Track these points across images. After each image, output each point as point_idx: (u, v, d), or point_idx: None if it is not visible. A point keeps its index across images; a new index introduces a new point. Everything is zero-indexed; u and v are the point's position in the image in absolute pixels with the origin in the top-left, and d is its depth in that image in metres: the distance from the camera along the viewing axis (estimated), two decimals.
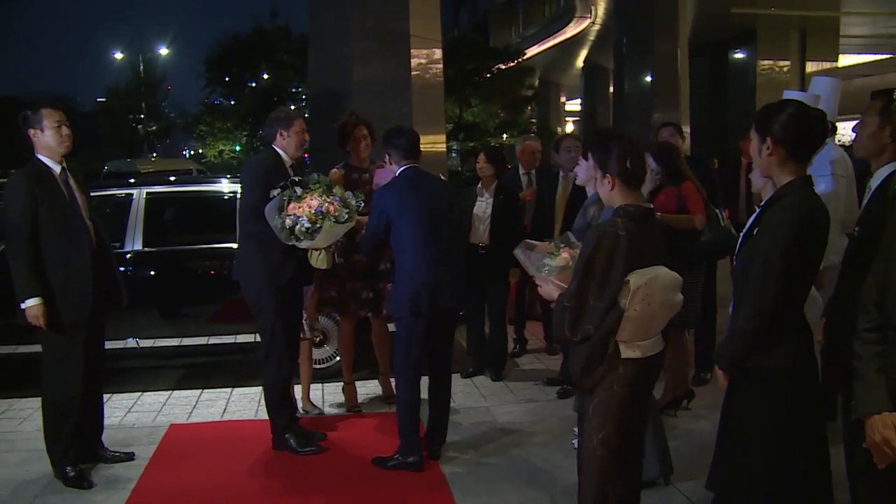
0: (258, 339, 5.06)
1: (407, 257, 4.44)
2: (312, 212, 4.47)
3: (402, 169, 4.58)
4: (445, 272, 4.45)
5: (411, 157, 4.60)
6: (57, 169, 4.41)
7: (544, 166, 7.54)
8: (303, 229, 4.45)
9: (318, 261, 4.75)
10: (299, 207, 4.48)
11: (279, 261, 4.66)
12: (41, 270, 4.27)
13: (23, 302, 4.23)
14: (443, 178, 4.50)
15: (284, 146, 4.79)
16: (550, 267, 3.39)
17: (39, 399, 4.52)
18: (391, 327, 5.59)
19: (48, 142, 4.39)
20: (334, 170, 5.44)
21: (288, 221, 4.48)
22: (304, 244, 4.54)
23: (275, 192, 4.56)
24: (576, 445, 3.49)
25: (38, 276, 4.25)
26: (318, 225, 4.47)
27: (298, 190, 4.58)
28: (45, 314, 4.25)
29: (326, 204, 4.51)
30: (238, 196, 6.26)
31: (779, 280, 2.69)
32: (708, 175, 6.17)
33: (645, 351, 3.06)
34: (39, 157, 4.41)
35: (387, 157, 4.66)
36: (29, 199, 4.25)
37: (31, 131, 4.37)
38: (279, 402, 4.85)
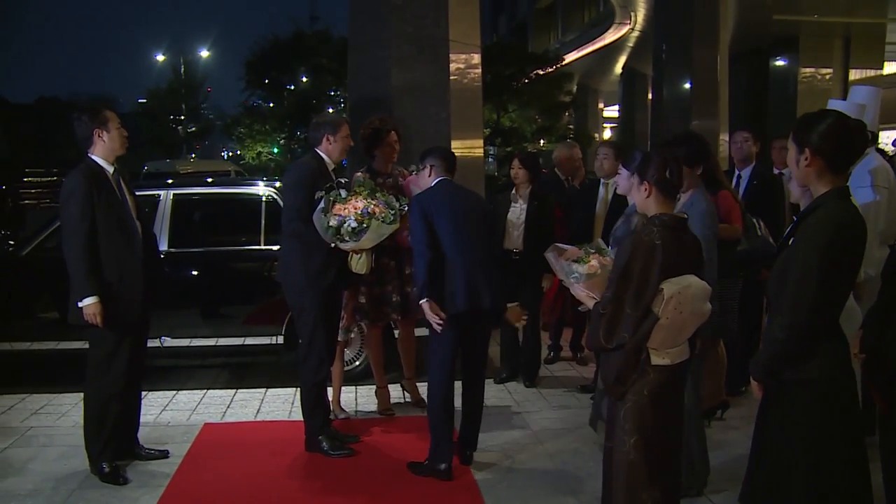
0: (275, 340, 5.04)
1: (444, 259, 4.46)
2: (359, 213, 4.56)
3: (438, 180, 4.65)
4: (482, 274, 4.45)
5: (449, 174, 4.69)
6: (110, 170, 4.52)
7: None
8: (349, 229, 4.56)
9: (359, 265, 4.82)
10: (345, 209, 4.60)
11: (322, 263, 4.74)
12: (99, 270, 4.37)
13: (80, 300, 4.33)
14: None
15: (329, 151, 4.86)
16: (579, 274, 3.44)
17: (78, 395, 4.61)
18: (418, 332, 5.63)
19: (112, 143, 4.51)
20: (358, 174, 5.48)
21: (334, 221, 4.57)
22: (348, 245, 4.63)
23: (320, 194, 4.67)
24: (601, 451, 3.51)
25: (96, 274, 4.35)
26: (364, 225, 4.55)
27: (343, 192, 4.67)
28: (101, 312, 4.35)
29: (372, 206, 4.60)
30: (274, 200, 6.38)
31: (814, 290, 2.67)
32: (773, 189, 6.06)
33: (674, 358, 3.13)
34: (94, 157, 4.49)
35: (429, 167, 4.67)
36: (88, 198, 4.35)
37: (97, 131, 4.48)
38: (315, 403, 4.90)
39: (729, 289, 4.96)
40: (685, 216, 3.23)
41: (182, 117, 42.22)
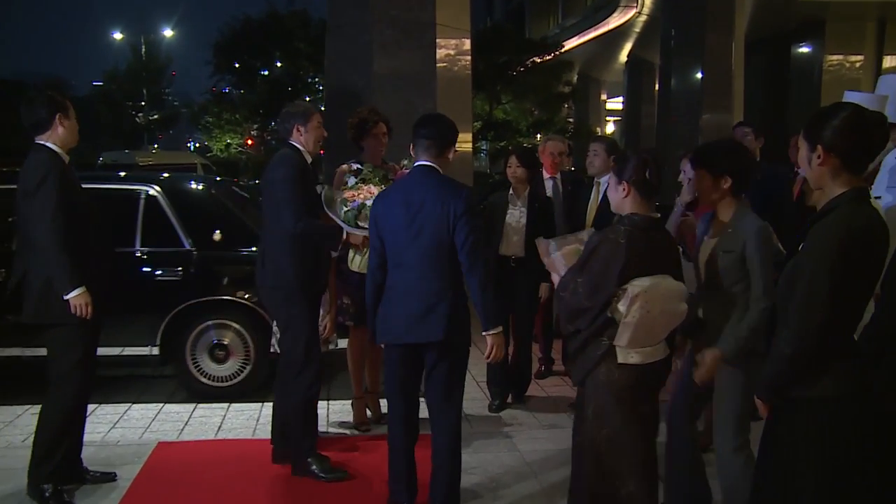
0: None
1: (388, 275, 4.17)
2: (376, 196, 4.65)
3: (415, 165, 4.22)
4: (416, 303, 4.03)
5: (430, 151, 4.17)
6: (66, 159, 4.52)
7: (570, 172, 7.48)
8: (368, 212, 4.68)
9: (362, 264, 4.90)
10: (359, 194, 4.68)
11: (315, 266, 4.80)
12: (83, 260, 4.37)
13: (68, 292, 4.32)
14: (463, 189, 4.10)
15: (303, 142, 4.86)
16: (560, 250, 3.65)
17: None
18: None
19: (71, 132, 4.53)
20: (344, 166, 5.50)
21: (352, 204, 4.83)
22: (364, 231, 4.86)
23: (320, 188, 4.90)
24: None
25: (79, 264, 4.35)
26: None
27: (351, 179, 4.93)
28: (91, 302, 4.36)
29: None
30: (155, 198, 6.36)
31: (825, 301, 2.67)
32: (780, 190, 6.07)
33: (645, 357, 3.43)
34: (49, 145, 4.47)
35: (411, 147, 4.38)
36: (62, 184, 4.35)
37: (59, 117, 4.47)
38: (306, 422, 4.86)
39: None
40: (658, 216, 3.47)
41: (143, 103, 42.10)
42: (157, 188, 6.44)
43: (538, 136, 25.43)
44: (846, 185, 2.79)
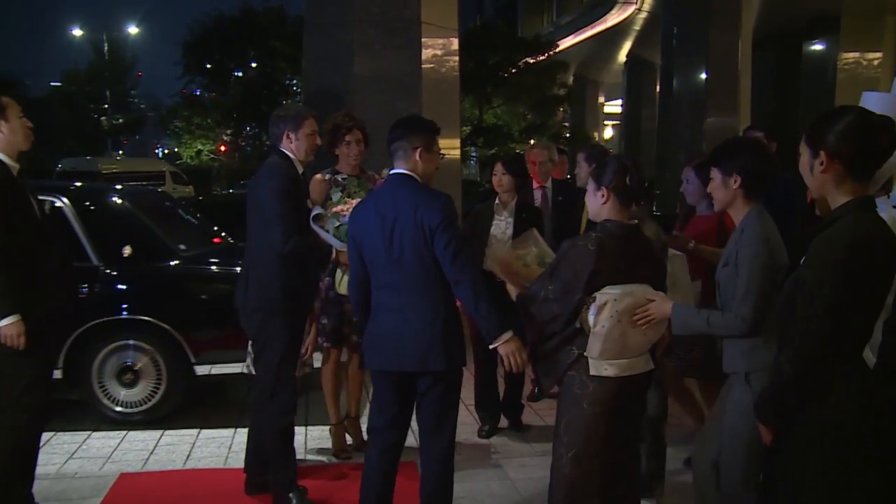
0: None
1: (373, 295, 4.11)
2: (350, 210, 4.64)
3: (391, 173, 4.15)
4: (407, 327, 3.97)
5: (409, 163, 4.10)
6: (15, 167, 4.45)
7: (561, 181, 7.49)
8: None
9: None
10: (347, 209, 4.71)
11: (302, 288, 4.78)
12: (18, 283, 4.30)
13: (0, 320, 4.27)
14: (440, 197, 4.01)
15: (293, 150, 4.77)
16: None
17: None
18: None
19: (14, 135, 4.43)
20: (318, 176, 5.50)
21: (343, 219, 4.83)
22: None
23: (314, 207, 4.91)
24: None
25: (16, 289, 4.29)
26: None
27: (337, 194, 4.99)
28: (25, 332, 4.30)
29: None
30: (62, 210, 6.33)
31: (826, 317, 2.68)
32: (791, 198, 6.03)
33: (621, 370, 3.51)
34: None
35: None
36: (1, 197, 4.27)
37: None
38: (284, 452, 4.80)
39: None
40: (635, 223, 3.61)
41: (106, 106, 41.84)
42: (65, 199, 6.44)
43: (531, 141, 25.51)
44: (850, 194, 2.81)
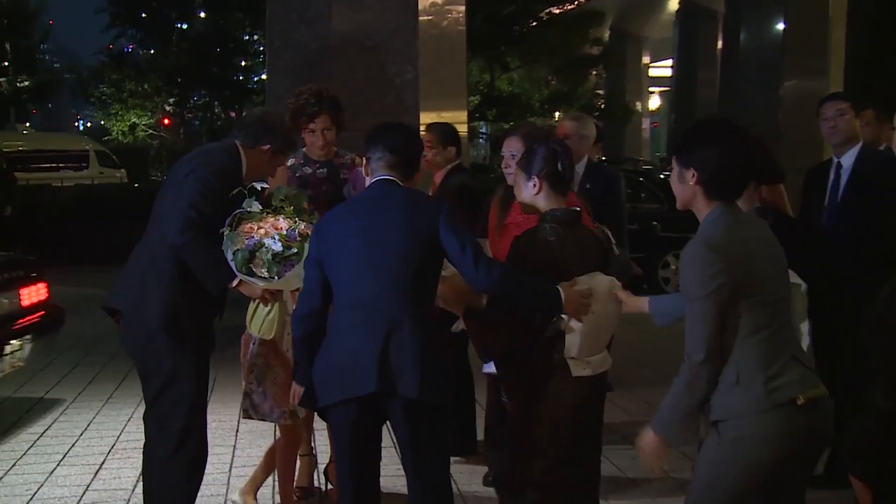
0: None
1: (333, 319, 4.17)
2: (283, 233, 4.45)
3: (374, 180, 4.24)
4: (373, 345, 4.00)
5: (399, 170, 4.22)
6: None
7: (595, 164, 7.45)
8: (268, 256, 4.41)
9: (264, 325, 4.74)
10: (259, 228, 4.45)
11: (188, 304, 4.60)
12: None
13: None
14: (440, 203, 4.20)
15: (251, 163, 4.81)
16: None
17: None
18: None
19: None
20: (291, 160, 5.52)
21: (241, 244, 4.42)
22: (262, 282, 4.51)
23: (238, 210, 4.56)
24: None
25: None
26: (294, 251, 4.43)
27: (255, 205, 4.58)
28: None
29: (301, 227, 4.49)
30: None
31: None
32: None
33: (596, 367, 3.97)
34: None
35: (365, 161, 4.35)
36: None
37: None
38: None
39: None
40: (578, 209, 4.11)
41: (6, 64, 41.36)
42: None
43: (556, 114, 25.55)
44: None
